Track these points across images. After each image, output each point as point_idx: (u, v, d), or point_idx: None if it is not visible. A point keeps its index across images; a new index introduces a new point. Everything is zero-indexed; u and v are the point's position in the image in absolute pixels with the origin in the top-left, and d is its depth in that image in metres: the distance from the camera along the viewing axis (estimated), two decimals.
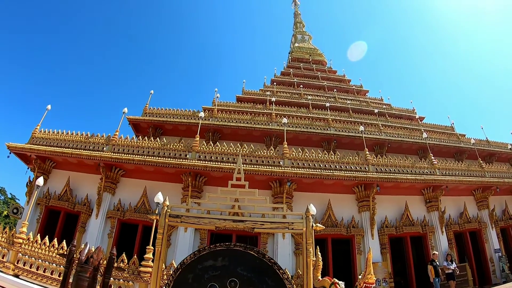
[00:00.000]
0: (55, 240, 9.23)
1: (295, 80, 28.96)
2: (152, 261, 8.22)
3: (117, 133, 14.89)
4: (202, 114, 17.24)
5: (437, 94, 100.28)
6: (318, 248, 7.23)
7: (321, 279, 6.74)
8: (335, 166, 14.80)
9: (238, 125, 19.01)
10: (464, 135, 23.49)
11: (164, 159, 13.82)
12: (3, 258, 8.90)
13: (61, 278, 7.55)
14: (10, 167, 73.83)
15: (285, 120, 17.46)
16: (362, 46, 78.93)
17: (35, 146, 14.29)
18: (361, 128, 18.15)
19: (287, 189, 13.97)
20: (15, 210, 13.78)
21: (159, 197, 10.65)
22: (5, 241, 9.13)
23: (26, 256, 8.88)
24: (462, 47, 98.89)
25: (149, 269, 8.49)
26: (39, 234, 10.07)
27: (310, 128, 19.70)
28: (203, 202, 6.87)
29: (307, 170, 14.19)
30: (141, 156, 13.89)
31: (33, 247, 9.03)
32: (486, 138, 22.52)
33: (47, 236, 9.54)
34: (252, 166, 13.90)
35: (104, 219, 13.54)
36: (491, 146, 22.05)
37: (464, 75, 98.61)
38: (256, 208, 5.94)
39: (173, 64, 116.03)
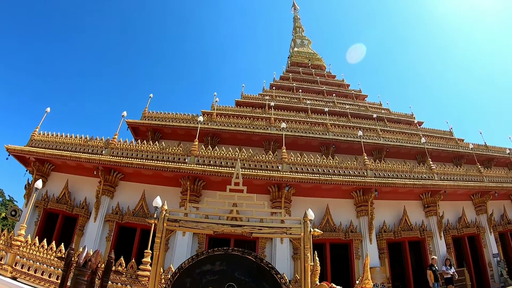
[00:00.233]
0: (53, 243, 9.23)
1: (294, 84, 29.06)
2: (150, 265, 8.21)
3: (116, 136, 14.91)
4: (201, 118, 17.27)
5: (436, 95, 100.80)
6: (316, 253, 7.24)
7: (319, 284, 6.73)
8: (334, 171, 14.82)
9: (237, 130, 19.03)
10: (463, 140, 23.56)
11: (163, 163, 13.83)
12: (1, 260, 8.89)
13: (59, 281, 7.55)
14: (8, 169, 73.71)
15: (283, 124, 17.49)
16: (361, 48, 79.34)
17: (34, 148, 14.30)
18: (360, 133, 18.18)
19: (285, 193, 13.98)
20: (13, 212, 13.75)
21: (158, 201, 10.64)
22: (3, 243, 9.12)
23: (24, 259, 8.87)
24: (461, 49, 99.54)
25: (147, 273, 8.48)
26: (37, 236, 10.03)
27: (309, 132, 19.74)
28: (201, 206, 6.88)
29: (306, 175, 14.21)
30: (140, 160, 13.91)
31: (31, 250, 9.02)
32: (485, 142, 22.57)
33: (45, 239, 9.53)
34: (251, 170, 13.92)
35: (102, 223, 13.52)
36: (490, 150, 22.10)
37: (464, 77, 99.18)
38: (254, 212, 5.96)
39: (172, 68, 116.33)
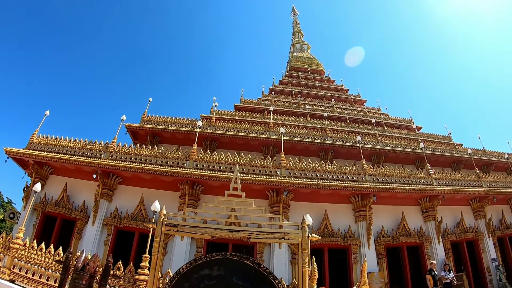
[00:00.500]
0: (51, 246, 9.22)
1: (293, 89, 29.16)
2: (148, 269, 8.20)
3: (115, 140, 14.90)
4: (200, 122, 17.30)
5: (435, 98, 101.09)
6: (314, 258, 7.24)
7: None
8: (332, 176, 14.82)
9: (235, 134, 19.05)
10: (461, 145, 23.63)
11: (162, 167, 13.84)
12: None
13: (56, 284, 7.55)
14: (7, 171, 73.57)
15: (282, 129, 17.51)
16: (360, 51, 79.69)
17: (33, 151, 14.30)
18: (359, 138, 18.22)
19: (283, 198, 13.99)
20: (11, 215, 13.74)
21: (156, 206, 10.63)
22: (1, 246, 9.10)
23: (22, 262, 8.86)
24: (460, 52, 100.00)
25: (145, 277, 8.47)
26: (35, 239, 10.00)
27: (308, 137, 19.76)
28: (199, 211, 6.90)
29: (304, 180, 14.22)
30: (138, 164, 13.91)
31: (29, 253, 9.00)
32: (483, 147, 22.64)
33: (43, 242, 9.53)
34: (249, 175, 13.93)
35: (100, 226, 13.49)
36: (488, 155, 22.17)
37: (463, 81, 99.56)
38: (253, 218, 5.99)
39: (172, 72, 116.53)
